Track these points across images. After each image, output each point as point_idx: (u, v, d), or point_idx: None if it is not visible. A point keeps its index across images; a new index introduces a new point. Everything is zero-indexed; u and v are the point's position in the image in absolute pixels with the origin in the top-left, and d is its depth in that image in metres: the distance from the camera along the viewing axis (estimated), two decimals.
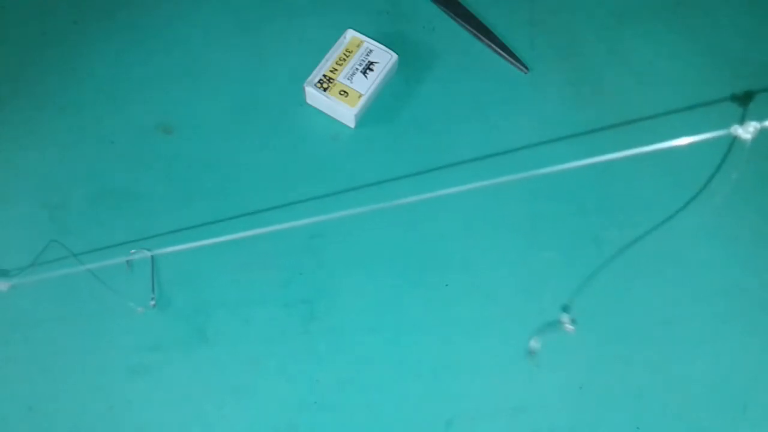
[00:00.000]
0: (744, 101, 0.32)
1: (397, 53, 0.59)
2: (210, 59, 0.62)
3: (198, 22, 0.63)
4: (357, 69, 0.58)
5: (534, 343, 0.44)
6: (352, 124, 0.58)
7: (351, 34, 0.60)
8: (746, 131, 0.31)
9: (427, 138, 0.58)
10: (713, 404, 0.50)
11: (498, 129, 0.59)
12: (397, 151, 0.58)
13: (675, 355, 0.51)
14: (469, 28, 0.63)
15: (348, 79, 0.58)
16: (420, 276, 0.53)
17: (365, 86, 0.57)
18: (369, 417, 0.49)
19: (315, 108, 0.60)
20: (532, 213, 0.56)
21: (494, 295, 0.53)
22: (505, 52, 0.62)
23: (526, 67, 0.61)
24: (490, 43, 0.62)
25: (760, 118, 0.31)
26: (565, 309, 0.40)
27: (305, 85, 0.58)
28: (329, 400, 0.49)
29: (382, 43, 0.59)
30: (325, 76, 0.58)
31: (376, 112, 0.59)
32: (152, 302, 0.51)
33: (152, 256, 0.53)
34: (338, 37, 0.59)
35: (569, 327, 0.40)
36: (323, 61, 0.58)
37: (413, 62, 0.61)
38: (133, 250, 0.53)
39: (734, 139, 0.31)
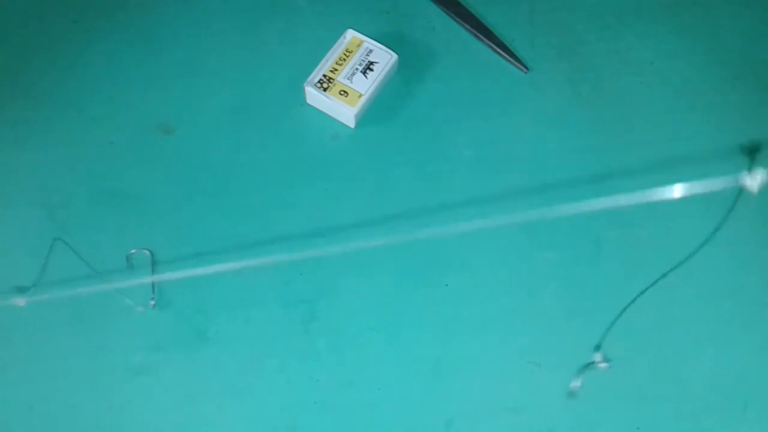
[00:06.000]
0: (752, 153, 0.33)
1: (397, 53, 0.59)
2: (210, 59, 0.62)
3: (198, 22, 0.63)
4: (357, 69, 0.58)
5: (575, 384, 0.44)
6: (352, 124, 0.58)
7: (351, 34, 0.60)
8: (754, 179, 0.31)
9: (428, 138, 0.58)
10: (713, 404, 0.50)
11: (498, 129, 0.59)
12: (397, 151, 0.58)
13: (675, 354, 0.51)
14: (469, 28, 0.63)
15: (348, 79, 0.58)
16: (420, 275, 0.53)
17: (365, 86, 0.57)
18: (369, 417, 0.49)
19: (315, 108, 0.60)
20: (532, 211, 0.56)
21: (494, 294, 0.53)
22: (505, 52, 0.62)
23: (526, 67, 0.61)
24: (490, 43, 0.62)
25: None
26: (597, 348, 0.42)
27: (305, 85, 0.58)
28: (329, 400, 0.49)
29: (382, 43, 0.59)
30: (325, 76, 0.58)
31: (376, 112, 0.59)
32: (152, 302, 0.51)
33: (152, 256, 0.53)
34: (338, 37, 0.59)
35: (603, 365, 0.42)
36: (323, 61, 0.58)
37: (413, 62, 0.61)
38: (133, 250, 0.53)
39: (741, 191, 0.32)
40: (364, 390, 0.50)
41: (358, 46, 0.59)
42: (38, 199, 0.55)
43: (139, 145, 0.58)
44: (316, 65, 0.58)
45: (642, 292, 0.41)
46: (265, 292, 0.52)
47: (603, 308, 0.52)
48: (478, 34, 0.63)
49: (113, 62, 0.61)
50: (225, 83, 0.61)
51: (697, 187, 0.39)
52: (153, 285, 0.52)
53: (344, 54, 0.59)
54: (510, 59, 0.62)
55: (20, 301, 0.49)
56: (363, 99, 0.57)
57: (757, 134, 0.59)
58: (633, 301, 0.42)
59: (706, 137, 0.59)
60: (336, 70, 0.58)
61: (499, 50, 0.62)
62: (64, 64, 0.61)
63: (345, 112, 0.57)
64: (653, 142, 0.59)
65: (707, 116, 0.60)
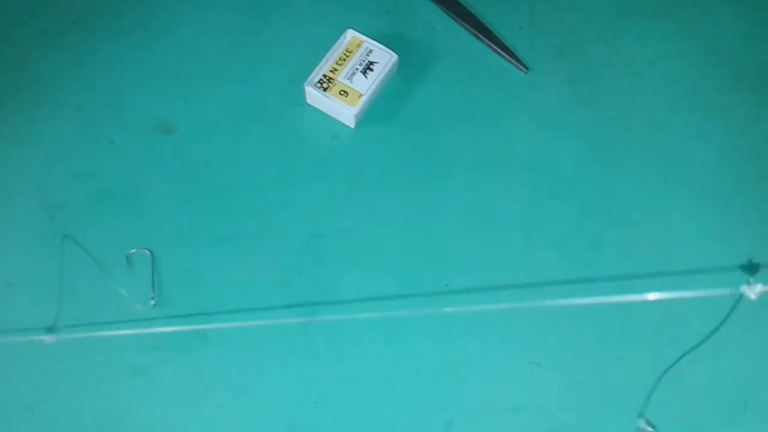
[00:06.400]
0: (751, 270, 0.33)
1: (397, 53, 0.59)
2: (210, 59, 0.62)
3: (198, 22, 0.63)
4: (357, 69, 0.58)
5: (643, 425, 0.45)
6: (352, 124, 0.58)
7: (351, 34, 0.60)
8: (753, 292, 0.32)
9: (427, 138, 0.58)
10: (714, 404, 0.50)
11: (498, 129, 0.59)
12: (397, 151, 0.58)
13: (675, 354, 0.51)
14: (469, 28, 0.63)
15: (348, 79, 0.58)
16: (420, 275, 0.53)
17: (365, 86, 0.57)
18: (369, 417, 0.49)
19: (315, 108, 0.60)
20: (532, 212, 0.56)
21: (494, 294, 0.53)
22: (505, 52, 0.62)
23: (526, 67, 0.61)
24: (490, 43, 0.62)
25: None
26: (641, 415, 0.44)
27: (305, 85, 0.58)
28: (329, 399, 0.49)
29: (382, 43, 0.59)
30: (325, 76, 0.58)
31: (376, 112, 0.59)
32: (152, 302, 0.51)
33: (152, 256, 0.53)
34: (338, 37, 0.59)
35: (650, 430, 0.43)
36: (323, 61, 0.58)
37: (413, 62, 0.61)
38: (133, 249, 0.53)
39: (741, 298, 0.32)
40: (364, 389, 0.50)
41: (358, 46, 0.59)
42: (38, 199, 0.55)
43: (139, 145, 0.58)
44: (316, 65, 0.58)
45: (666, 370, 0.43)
46: (265, 292, 0.52)
47: (603, 308, 0.52)
48: (478, 34, 0.63)
49: (113, 62, 0.61)
50: (225, 83, 0.61)
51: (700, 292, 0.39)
52: (153, 284, 0.52)
53: (344, 54, 0.59)
54: (510, 59, 0.62)
55: (49, 339, 0.49)
56: (363, 99, 0.57)
57: (755, 136, 0.59)
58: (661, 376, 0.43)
59: (706, 138, 0.59)
60: (336, 70, 0.58)
61: (499, 50, 0.62)
62: (63, 64, 0.61)
63: (345, 112, 0.57)
64: (653, 142, 0.59)
65: (707, 116, 0.60)
